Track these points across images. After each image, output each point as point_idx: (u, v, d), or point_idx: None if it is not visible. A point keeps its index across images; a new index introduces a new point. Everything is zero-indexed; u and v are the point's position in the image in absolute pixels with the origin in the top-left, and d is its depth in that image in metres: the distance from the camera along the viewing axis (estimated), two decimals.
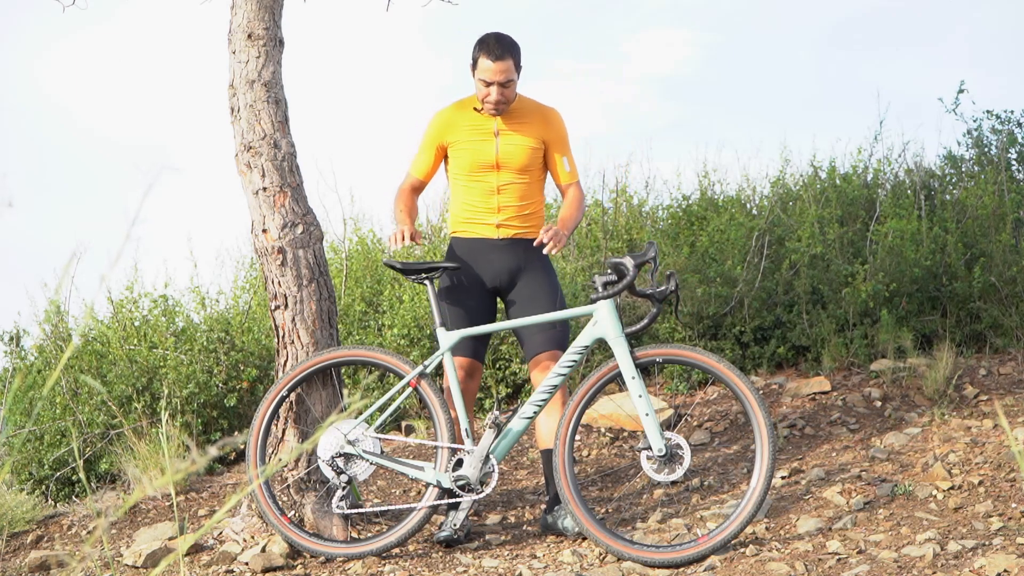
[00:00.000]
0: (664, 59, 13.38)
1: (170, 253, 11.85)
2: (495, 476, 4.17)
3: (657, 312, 4.10)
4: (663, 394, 5.94)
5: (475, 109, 4.50)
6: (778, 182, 7.25)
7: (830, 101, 12.33)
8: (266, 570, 4.15)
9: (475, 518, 4.69)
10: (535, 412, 4.20)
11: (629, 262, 4.07)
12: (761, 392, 5.45)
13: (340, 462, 4.23)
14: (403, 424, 5.99)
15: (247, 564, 4.21)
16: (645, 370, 5.56)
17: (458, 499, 4.20)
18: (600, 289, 4.10)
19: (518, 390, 6.23)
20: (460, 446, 4.21)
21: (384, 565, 4.10)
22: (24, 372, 6.30)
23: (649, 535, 4.23)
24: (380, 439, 4.29)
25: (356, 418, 4.35)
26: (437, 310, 4.34)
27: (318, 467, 4.32)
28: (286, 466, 4.42)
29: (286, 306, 4.46)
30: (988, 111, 7.47)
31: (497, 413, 4.21)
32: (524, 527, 4.57)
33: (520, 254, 4.50)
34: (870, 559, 3.69)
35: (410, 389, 4.28)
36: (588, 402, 4.13)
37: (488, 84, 4.39)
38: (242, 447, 5.44)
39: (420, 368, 4.27)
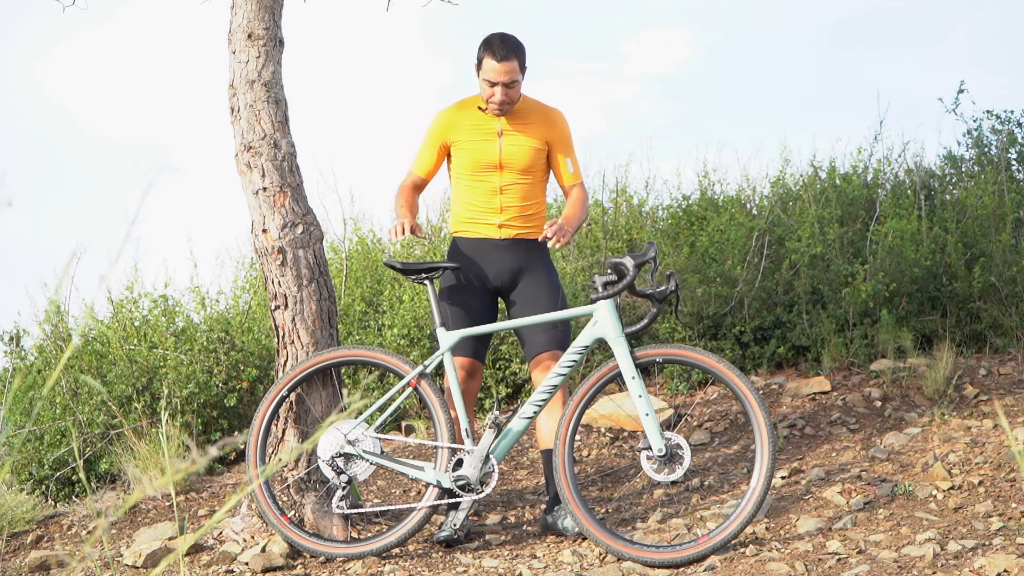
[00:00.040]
0: (664, 59, 13.39)
1: (170, 253, 11.87)
2: (495, 476, 4.17)
3: (657, 312, 4.10)
4: (663, 394, 5.94)
5: (479, 109, 4.50)
6: (778, 182, 7.25)
7: (830, 101, 12.34)
8: (266, 570, 4.15)
9: (475, 518, 4.69)
10: (535, 412, 4.20)
11: (629, 262, 4.06)
12: (761, 392, 5.45)
13: (340, 462, 4.23)
14: (403, 424, 5.99)
15: (247, 564, 4.21)
16: (645, 370, 5.56)
17: (458, 499, 4.20)
18: (600, 289, 4.10)
19: (518, 390, 6.23)
20: (460, 446, 4.21)
21: (384, 565, 4.10)
22: (24, 372, 6.30)
23: (649, 535, 4.23)
24: (380, 439, 4.29)
25: (356, 418, 4.35)
26: (437, 310, 4.34)
27: (318, 467, 4.32)
28: (286, 466, 4.42)
29: (286, 306, 4.46)
30: (988, 111, 7.47)
31: (497, 413, 4.21)
32: (524, 527, 4.57)
33: (522, 254, 4.50)
34: (870, 559, 3.69)
35: (410, 389, 4.28)
36: (588, 402, 4.13)
37: (492, 84, 4.39)
38: (242, 447, 5.44)
39: (420, 368, 4.27)
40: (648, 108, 13.17)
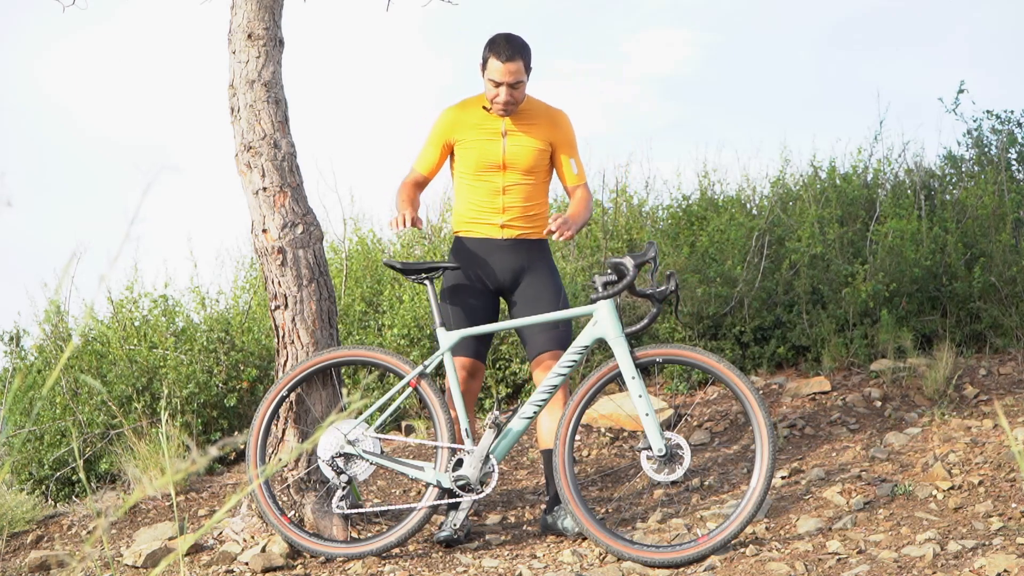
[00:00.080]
0: (664, 59, 13.39)
1: (170, 253, 11.87)
2: (495, 476, 4.17)
3: (657, 312, 4.10)
4: (663, 394, 5.94)
5: (484, 108, 4.50)
6: (778, 182, 7.25)
7: (830, 101, 12.34)
8: (266, 570, 4.15)
9: (475, 518, 4.69)
10: (535, 412, 4.20)
11: (629, 262, 4.06)
12: (761, 392, 5.45)
13: (340, 462, 4.23)
14: (403, 424, 5.99)
15: (247, 564, 4.21)
16: (645, 370, 5.56)
17: (458, 499, 4.20)
18: (600, 289, 4.10)
19: (518, 390, 6.23)
20: (460, 446, 4.21)
21: (384, 565, 4.10)
22: (24, 372, 6.30)
23: (649, 535, 4.23)
24: (380, 439, 4.29)
25: (356, 418, 4.35)
26: (437, 310, 4.34)
27: (318, 467, 4.32)
28: (286, 466, 4.42)
29: (286, 306, 4.46)
30: (988, 111, 7.47)
31: (497, 413, 4.21)
32: (524, 527, 4.57)
33: (524, 254, 4.50)
34: (870, 559, 3.69)
35: (410, 389, 4.28)
36: (588, 402, 4.13)
37: (497, 85, 4.39)
38: (242, 447, 5.44)
39: (420, 368, 4.27)
40: (648, 108, 13.17)
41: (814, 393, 5.64)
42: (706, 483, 4.79)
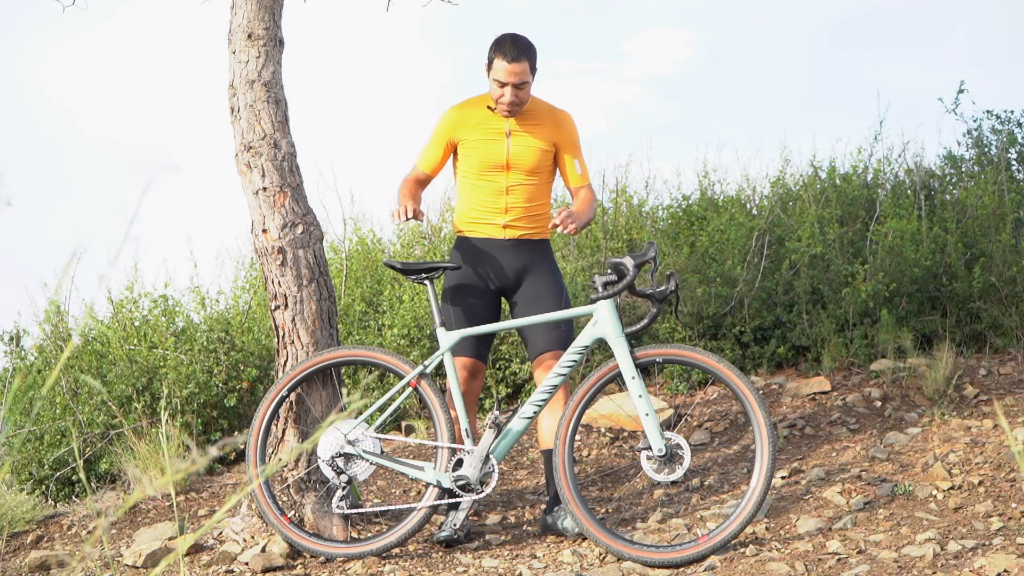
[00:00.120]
0: (664, 59, 13.39)
1: (170, 253, 11.88)
2: (495, 476, 4.17)
3: (657, 312, 4.10)
4: (663, 394, 5.94)
5: (488, 108, 4.50)
6: (778, 182, 7.25)
7: (830, 101, 12.33)
8: (266, 570, 4.15)
9: (475, 518, 4.69)
10: (535, 412, 4.20)
11: (629, 262, 4.06)
12: (761, 392, 5.45)
13: (340, 462, 4.23)
14: (403, 424, 5.99)
15: (247, 564, 4.21)
16: (645, 370, 5.56)
17: (458, 499, 4.20)
18: (600, 289, 4.10)
19: (518, 390, 6.23)
20: (460, 446, 4.21)
21: (384, 565, 4.10)
22: (24, 372, 6.30)
23: (649, 535, 4.23)
24: (380, 439, 4.29)
25: (356, 418, 4.35)
26: (437, 310, 4.34)
27: (318, 467, 4.32)
28: (286, 466, 4.42)
29: (286, 306, 4.46)
30: (988, 111, 7.47)
31: (497, 413, 4.21)
32: (524, 527, 4.57)
33: (526, 255, 4.50)
34: (870, 559, 3.69)
35: (410, 389, 4.28)
36: (588, 402, 4.13)
37: (502, 85, 4.39)
38: (242, 447, 5.44)
39: (420, 368, 4.27)
40: (648, 108, 13.17)
41: (814, 393, 5.64)
42: (706, 483, 4.79)
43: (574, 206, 4.53)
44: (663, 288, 4.10)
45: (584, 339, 4.16)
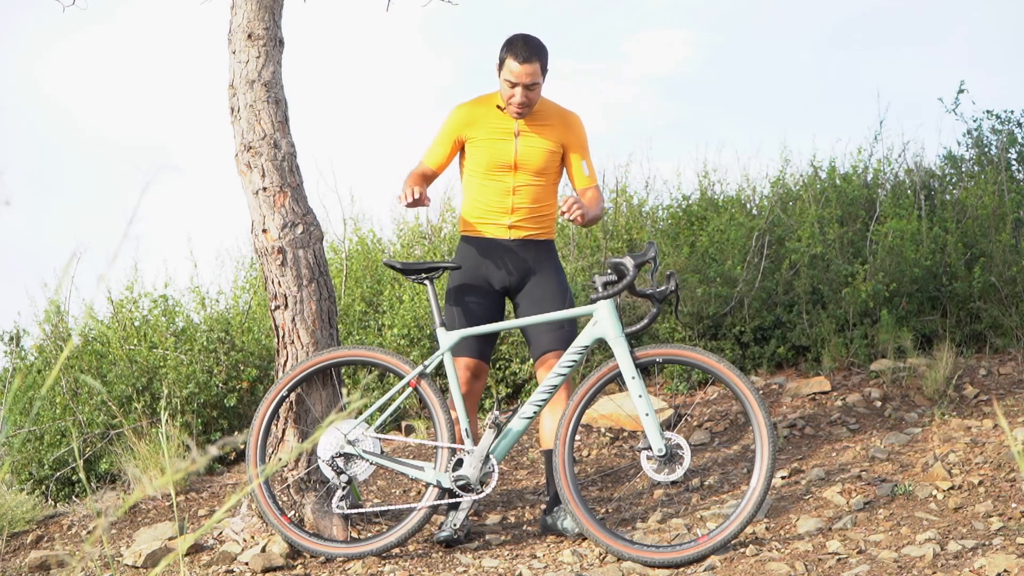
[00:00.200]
0: (664, 59, 13.39)
1: (170, 253, 11.88)
2: (495, 476, 4.17)
3: (657, 312, 4.10)
4: (663, 394, 5.94)
5: (498, 107, 4.49)
6: (778, 182, 7.25)
7: (830, 101, 12.33)
8: (266, 570, 4.15)
9: (475, 518, 4.69)
10: (535, 412, 4.20)
11: (629, 262, 4.06)
12: (761, 392, 5.45)
13: (340, 462, 4.23)
14: (403, 424, 5.99)
15: (247, 564, 4.21)
16: (645, 370, 5.56)
17: (458, 499, 4.20)
18: (600, 289, 4.10)
19: (518, 390, 6.23)
20: (460, 446, 4.20)
21: (384, 565, 4.10)
22: (24, 372, 6.30)
23: (649, 535, 4.23)
24: (380, 439, 4.29)
25: (356, 418, 4.35)
26: (437, 310, 4.34)
27: (318, 467, 4.32)
28: (286, 466, 4.42)
29: (286, 306, 4.46)
30: (988, 111, 7.47)
31: (497, 413, 4.21)
32: (524, 527, 4.57)
33: (531, 255, 4.50)
34: (870, 559, 3.69)
35: (410, 389, 4.28)
36: (588, 402, 4.13)
37: (513, 85, 4.38)
38: (242, 447, 5.44)
39: (420, 368, 4.27)
40: (648, 108, 13.17)
41: (814, 393, 5.64)
42: (706, 483, 4.79)
43: None
44: (663, 288, 4.10)
45: (584, 339, 4.16)
